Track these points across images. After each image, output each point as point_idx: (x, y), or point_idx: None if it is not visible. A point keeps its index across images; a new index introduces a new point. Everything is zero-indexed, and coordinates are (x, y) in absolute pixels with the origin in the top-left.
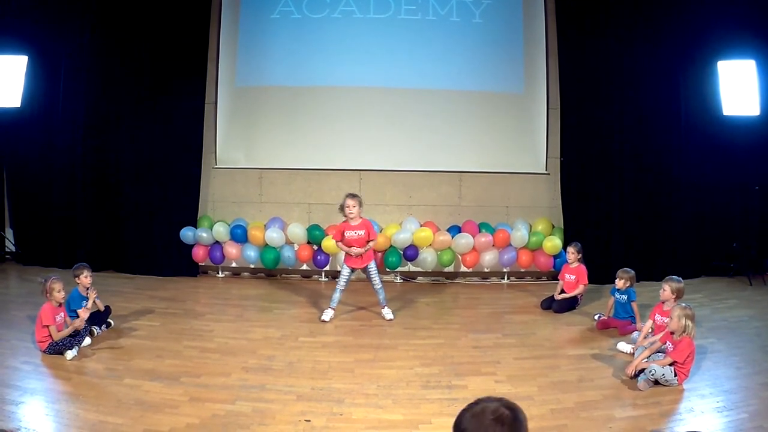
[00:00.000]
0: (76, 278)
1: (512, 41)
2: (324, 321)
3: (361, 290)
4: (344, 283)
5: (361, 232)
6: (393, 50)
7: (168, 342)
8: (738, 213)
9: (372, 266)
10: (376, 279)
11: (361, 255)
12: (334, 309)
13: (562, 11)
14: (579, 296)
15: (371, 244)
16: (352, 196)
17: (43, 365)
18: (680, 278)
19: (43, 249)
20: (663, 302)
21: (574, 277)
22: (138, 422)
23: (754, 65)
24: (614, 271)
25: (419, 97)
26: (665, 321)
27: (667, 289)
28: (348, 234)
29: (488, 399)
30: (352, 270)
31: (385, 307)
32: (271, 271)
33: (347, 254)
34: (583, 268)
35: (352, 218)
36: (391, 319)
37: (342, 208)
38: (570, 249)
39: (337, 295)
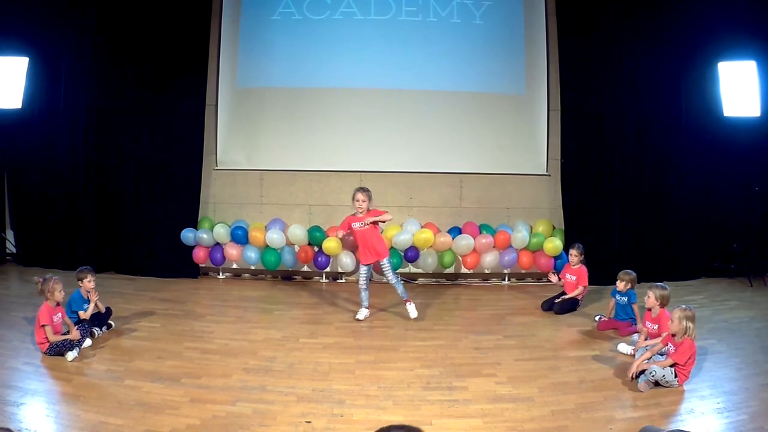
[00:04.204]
0: (80, 281)
1: (513, 43)
2: (358, 320)
3: None
4: (363, 281)
5: (369, 220)
6: (394, 52)
7: (169, 343)
8: (738, 214)
9: (384, 262)
10: (389, 275)
11: (364, 227)
12: (367, 308)
13: (562, 13)
14: (580, 298)
15: (379, 218)
16: (363, 190)
17: (43, 366)
18: (665, 285)
19: (44, 250)
20: (649, 309)
21: (574, 278)
22: (139, 423)
23: (755, 66)
24: (615, 272)
25: (420, 98)
26: (654, 327)
27: (651, 296)
28: (355, 225)
29: (396, 426)
30: (368, 267)
31: (410, 302)
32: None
33: (359, 251)
34: (584, 269)
35: (360, 212)
36: (415, 318)
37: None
38: (572, 251)
39: (363, 294)
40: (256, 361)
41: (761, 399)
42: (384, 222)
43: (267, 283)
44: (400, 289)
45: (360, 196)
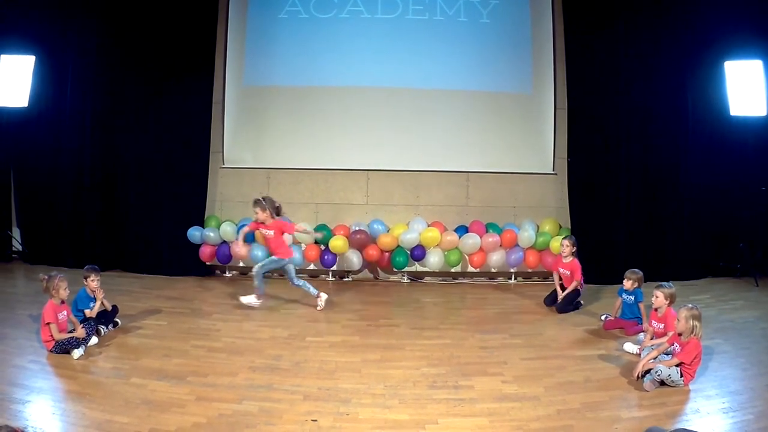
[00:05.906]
0: (85, 279)
1: (520, 41)
2: (242, 302)
3: (368, 290)
4: (258, 267)
5: (270, 233)
6: (400, 50)
7: (175, 341)
8: (744, 213)
9: (287, 267)
10: (292, 279)
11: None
12: (258, 297)
13: (569, 12)
14: (579, 288)
15: (288, 236)
16: (254, 202)
17: (49, 364)
18: (671, 283)
19: (50, 248)
20: (656, 309)
21: (568, 272)
22: (145, 421)
23: (761, 65)
24: (621, 271)
25: (427, 97)
26: (660, 327)
27: (660, 295)
28: (262, 231)
29: None
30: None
31: (320, 297)
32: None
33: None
34: (577, 263)
35: (262, 222)
36: (320, 309)
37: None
38: (565, 242)
39: (256, 282)
40: (263, 360)
41: (767, 399)
42: (301, 232)
43: (273, 282)
44: (310, 290)
45: (253, 209)
